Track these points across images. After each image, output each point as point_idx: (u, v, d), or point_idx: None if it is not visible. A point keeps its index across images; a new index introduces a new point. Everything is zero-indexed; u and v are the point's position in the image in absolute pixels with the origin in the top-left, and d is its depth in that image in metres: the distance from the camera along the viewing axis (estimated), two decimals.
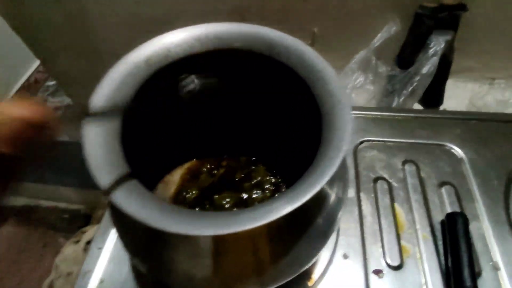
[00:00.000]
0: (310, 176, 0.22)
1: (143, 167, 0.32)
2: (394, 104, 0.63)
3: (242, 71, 0.32)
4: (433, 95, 0.76)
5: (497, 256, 0.38)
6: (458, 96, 0.80)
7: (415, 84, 0.62)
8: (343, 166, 0.32)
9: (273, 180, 0.40)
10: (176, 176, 0.41)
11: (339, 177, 0.30)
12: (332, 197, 0.29)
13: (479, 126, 0.50)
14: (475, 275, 0.35)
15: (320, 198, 0.28)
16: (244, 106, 0.35)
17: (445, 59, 0.68)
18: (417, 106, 0.78)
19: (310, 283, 0.37)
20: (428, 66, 0.61)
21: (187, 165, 0.41)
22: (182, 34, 0.29)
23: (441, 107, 0.79)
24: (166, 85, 0.30)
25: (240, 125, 0.36)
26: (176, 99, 0.32)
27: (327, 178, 0.21)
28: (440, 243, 0.39)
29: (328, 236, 0.29)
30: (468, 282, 0.34)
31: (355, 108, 0.53)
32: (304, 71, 0.28)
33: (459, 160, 0.46)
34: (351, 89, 0.70)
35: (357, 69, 0.71)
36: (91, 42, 0.82)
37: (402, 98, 0.63)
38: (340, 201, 0.30)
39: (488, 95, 0.71)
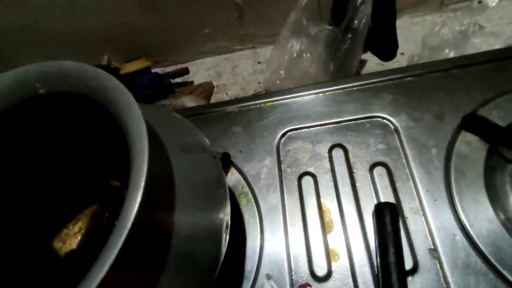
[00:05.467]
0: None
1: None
2: (331, 69, 0.56)
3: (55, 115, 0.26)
4: (384, 43, 0.67)
5: (437, 244, 0.33)
6: (416, 34, 0.71)
7: (348, 42, 0.53)
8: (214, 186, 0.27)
9: None
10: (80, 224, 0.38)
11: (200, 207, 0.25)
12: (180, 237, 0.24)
13: (413, 84, 0.43)
14: (405, 276, 0.31)
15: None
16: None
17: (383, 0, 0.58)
18: (374, 64, 0.70)
19: None
20: (358, 18, 0.52)
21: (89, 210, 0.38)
22: None
23: (398, 52, 0.70)
24: None
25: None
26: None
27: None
28: (372, 239, 0.35)
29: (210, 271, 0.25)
30: (395, 284, 0.30)
31: (273, 94, 0.47)
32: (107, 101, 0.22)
33: (392, 132, 0.40)
34: (287, 61, 0.63)
35: (291, 36, 0.63)
36: None
37: (337, 61, 0.55)
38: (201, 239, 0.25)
39: (444, 27, 0.61)
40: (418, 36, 0.69)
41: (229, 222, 0.28)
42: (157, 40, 0.75)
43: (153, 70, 0.78)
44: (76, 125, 0.27)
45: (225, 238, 0.27)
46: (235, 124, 0.46)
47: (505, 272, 0.30)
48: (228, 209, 0.28)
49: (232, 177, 0.42)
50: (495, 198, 0.34)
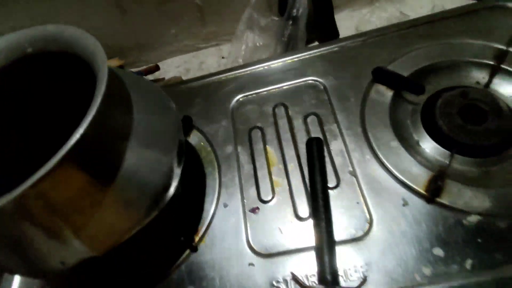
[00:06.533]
0: None
1: None
2: (278, 52, 0.66)
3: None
4: (326, 31, 0.78)
5: (355, 166, 0.42)
6: (354, 24, 0.82)
7: (290, 29, 0.64)
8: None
9: None
10: None
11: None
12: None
13: (337, 54, 0.53)
14: (327, 189, 0.40)
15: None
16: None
17: None
18: None
19: (196, 237, 0.41)
20: (296, 7, 0.63)
21: None
22: None
23: None
24: None
25: None
26: None
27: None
28: (306, 168, 0.44)
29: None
30: (320, 193, 0.39)
31: (228, 70, 0.56)
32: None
33: (322, 90, 0.50)
34: (244, 50, 0.72)
35: (245, 29, 0.73)
36: None
37: (282, 46, 0.65)
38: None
39: (372, 16, 0.73)
40: (355, 25, 0.81)
41: (183, 159, 0.35)
42: (129, 41, 0.84)
43: (127, 70, 0.85)
44: (59, 77, 0.34)
45: (175, 171, 0.33)
46: (197, 96, 0.55)
47: (398, 174, 0.39)
48: (181, 147, 0.35)
49: (194, 137, 0.50)
50: (398, 129, 0.44)
